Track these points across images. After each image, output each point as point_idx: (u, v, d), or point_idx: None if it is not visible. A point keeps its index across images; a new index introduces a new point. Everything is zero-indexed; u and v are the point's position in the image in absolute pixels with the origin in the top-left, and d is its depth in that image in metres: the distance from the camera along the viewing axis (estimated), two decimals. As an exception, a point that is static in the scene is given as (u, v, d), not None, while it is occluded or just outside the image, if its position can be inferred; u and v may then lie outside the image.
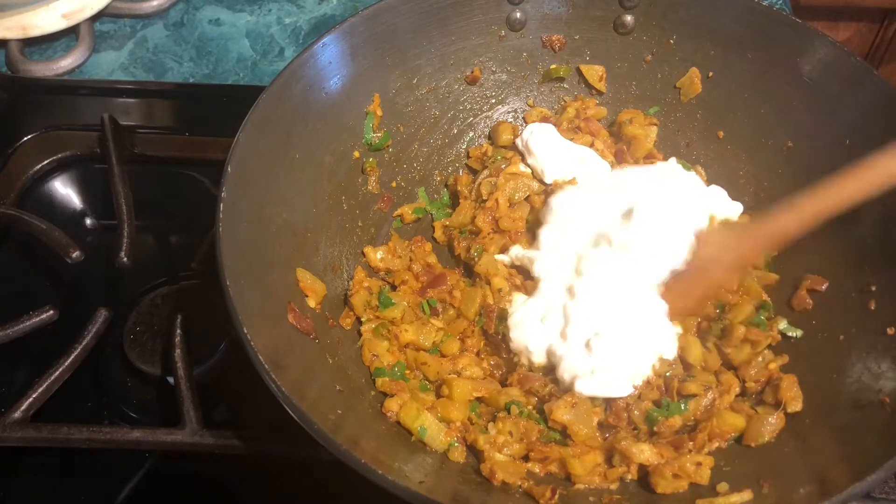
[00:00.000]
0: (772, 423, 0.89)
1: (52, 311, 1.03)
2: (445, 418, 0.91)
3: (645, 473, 0.88)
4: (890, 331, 0.90)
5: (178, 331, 1.02)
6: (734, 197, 1.08)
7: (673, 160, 1.10)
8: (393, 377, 0.95)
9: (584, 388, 0.93)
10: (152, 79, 1.42)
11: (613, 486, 0.88)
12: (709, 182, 1.11)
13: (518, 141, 1.14)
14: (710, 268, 0.99)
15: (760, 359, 0.97)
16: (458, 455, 0.89)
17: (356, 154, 1.10)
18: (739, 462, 0.88)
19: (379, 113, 1.11)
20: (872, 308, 0.94)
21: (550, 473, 0.89)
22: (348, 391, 0.92)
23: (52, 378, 0.97)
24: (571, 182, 1.08)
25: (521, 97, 1.21)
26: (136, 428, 0.95)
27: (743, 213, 1.07)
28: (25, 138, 1.26)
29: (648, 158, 1.15)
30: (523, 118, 1.21)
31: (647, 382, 0.95)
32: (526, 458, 0.90)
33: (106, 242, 1.14)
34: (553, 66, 1.19)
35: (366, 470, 0.72)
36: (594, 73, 1.17)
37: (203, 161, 1.22)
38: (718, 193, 1.08)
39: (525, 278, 1.05)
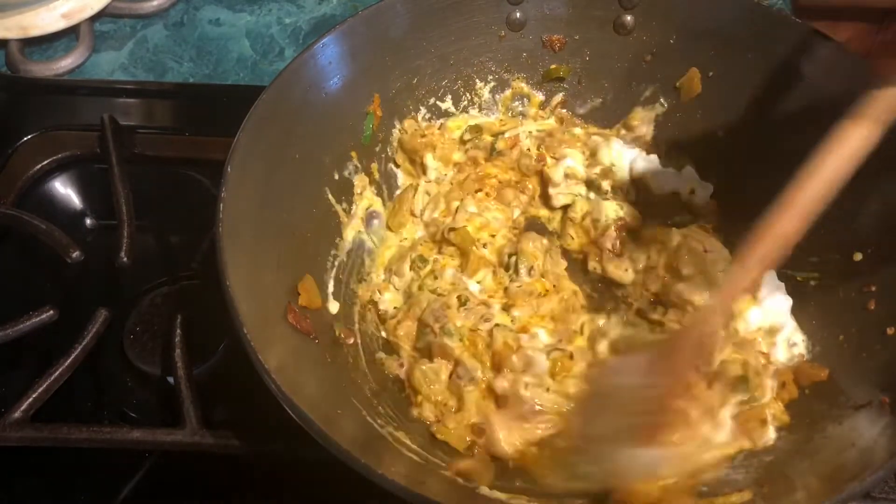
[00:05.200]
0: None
1: (52, 311, 1.03)
2: None
3: None
4: (890, 331, 0.90)
5: (178, 331, 1.02)
6: (733, 197, 1.09)
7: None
8: None
9: None
10: (152, 79, 1.42)
11: None
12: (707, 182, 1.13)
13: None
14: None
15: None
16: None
17: (356, 154, 1.10)
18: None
19: (379, 113, 1.11)
20: (872, 308, 0.94)
21: None
22: (348, 391, 0.92)
23: (52, 378, 0.97)
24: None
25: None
26: (136, 428, 0.95)
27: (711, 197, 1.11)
28: (25, 138, 1.26)
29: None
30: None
31: None
32: None
33: (106, 242, 1.13)
34: (553, 66, 1.19)
35: (366, 470, 0.72)
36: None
37: (203, 161, 1.21)
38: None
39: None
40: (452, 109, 1.19)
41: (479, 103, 1.20)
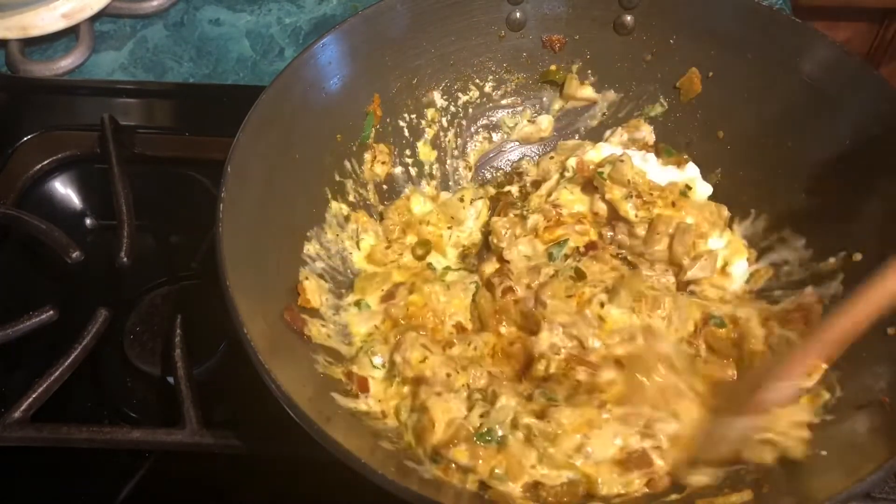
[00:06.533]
0: None
1: (52, 311, 1.03)
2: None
3: None
4: (890, 331, 0.89)
5: (178, 331, 1.02)
6: (733, 197, 1.09)
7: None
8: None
9: None
10: (152, 79, 1.42)
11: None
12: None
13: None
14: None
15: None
16: None
17: (356, 154, 1.11)
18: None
19: (379, 113, 1.11)
20: (872, 308, 0.93)
21: None
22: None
23: (52, 378, 0.97)
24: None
25: (521, 97, 1.21)
26: (136, 428, 0.95)
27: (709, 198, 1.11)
28: (25, 138, 1.26)
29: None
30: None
31: None
32: None
33: (106, 242, 1.14)
34: (552, 67, 1.19)
35: (365, 470, 0.72)
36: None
37: (203, 161, 1.21)
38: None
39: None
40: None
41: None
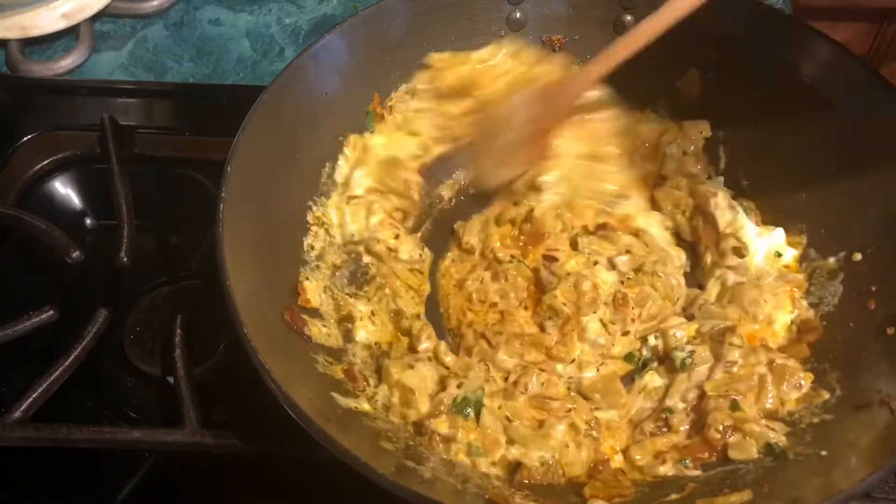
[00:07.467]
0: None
1: (52, 311, 1.03)
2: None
3: None
4: (890, 331, 0.90)
5: (178, 331, 1.02)
6: (732, 197, 1.09)
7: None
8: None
9: None
10: (152, 79, 1.42)
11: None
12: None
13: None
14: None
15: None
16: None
17: (356, 154, 1.10)
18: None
19: (379, 112, 1.11)
20: (872, 308, 0.94)
21: None
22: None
23: (52, 378, 0.97)
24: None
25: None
26: (136, 428, 0.95)
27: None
28: (25, 138, 1.26)
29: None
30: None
31: None
32: None
33: (106, 242, 1.14)
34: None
35: (365, 470, 0.72)
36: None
37: (203, 161, 1.21)
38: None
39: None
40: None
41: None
